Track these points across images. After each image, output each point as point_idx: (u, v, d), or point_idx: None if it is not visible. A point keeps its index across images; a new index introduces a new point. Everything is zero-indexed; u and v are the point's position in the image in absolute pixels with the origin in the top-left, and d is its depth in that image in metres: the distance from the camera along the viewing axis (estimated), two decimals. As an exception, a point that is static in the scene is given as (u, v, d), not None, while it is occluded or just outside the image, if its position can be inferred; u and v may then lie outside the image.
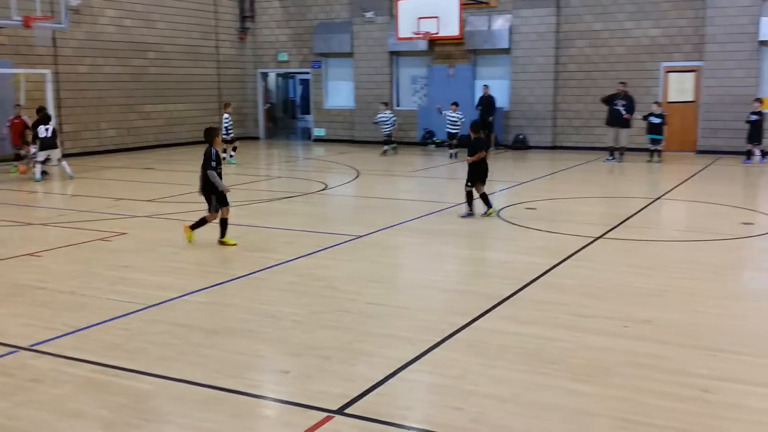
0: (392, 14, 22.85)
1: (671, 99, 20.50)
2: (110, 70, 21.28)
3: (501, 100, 22.03)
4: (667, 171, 17.19)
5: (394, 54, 23.91)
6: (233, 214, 9.63)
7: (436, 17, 21.13)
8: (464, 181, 11.32)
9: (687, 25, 20.10)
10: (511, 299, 6.95)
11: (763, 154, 18.20)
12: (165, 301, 6.93)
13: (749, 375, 5.12)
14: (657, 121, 18.43)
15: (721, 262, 8.50)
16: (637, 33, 20.62)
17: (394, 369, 5.24)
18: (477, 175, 11.22)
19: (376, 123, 21.30)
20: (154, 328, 6.20)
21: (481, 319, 6.37)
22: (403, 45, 22.93)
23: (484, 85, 21.65)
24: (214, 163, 9.03)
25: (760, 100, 18.22)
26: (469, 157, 11.27)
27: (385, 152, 20.70)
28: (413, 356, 5.48)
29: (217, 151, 9.13)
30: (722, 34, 19.41)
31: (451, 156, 19.64)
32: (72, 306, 6.87)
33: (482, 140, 11.39)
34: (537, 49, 21.57)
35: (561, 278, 7.74)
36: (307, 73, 26.20)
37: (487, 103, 21.36)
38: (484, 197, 11.26)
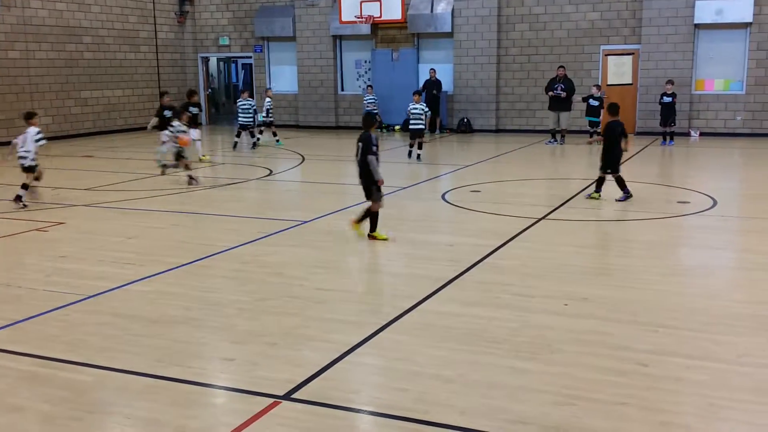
0: (335, -2, 22.71)
1: (610, 82, 20.88)
2: (44, 55, 20.62)
3: (445, 84, 22.12)
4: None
5: (338, 38, 23.76)
6: (173, 201, 9.47)
7: (378, 1, 21.06)
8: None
9: (625, 9, 20.46)
10: (455, 281, 7.01)
11: (671, 136, 18.58)
12: (105, 292, 6.79)
13: (686, 349, 5.27)
14: (596, 103, 18.76)
15: (658, 240, 8.72)
16: (576, 17, 20.91)
17: (341, 353, 5.24)
18: (609, 162, 10.98)
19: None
20: (93, 319, 6.07)
21: (427, 301, 6.41)
22: (346, 29, 22.82)
23: (431, 69, 21.71)
24: (375, 148, 8.50)
25: (672, 82, 18.62)
26: (624, 141, 10.91)
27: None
28: (359, 340, 5.49)
29: (376, 137, 8.65)
30: (659, 17, 19.82)
31: (416, 157, 16.12)
32: (7, 298, 6.67)
33: (615, 125, 10.99)
34: (479, 32, 21.70)
35: (504, 259, 7.84)
36: (250, 57, 25.85)
37: (431, 87, 21.44)
38: (621, 181, 11.07)
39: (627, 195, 10.98)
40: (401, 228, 9.58)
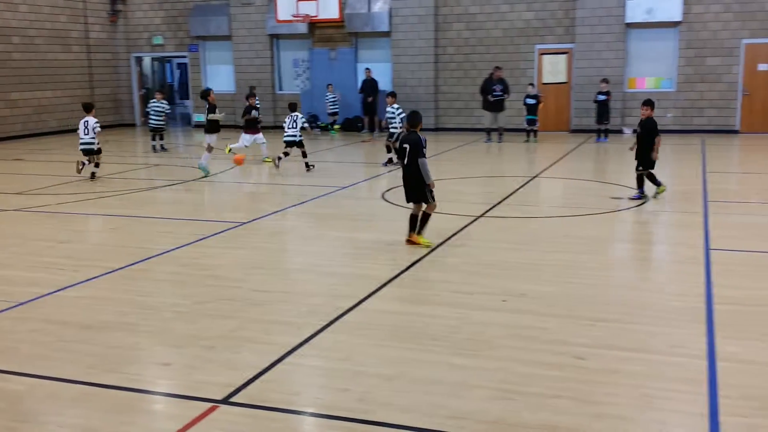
0: (271, -3, 22.53)
1: (545, 80, 21.24)
2: (-31, 55, 19.91)
3: (384, 83, 22.17)
4: (543, 150, 17.83)
5: (275, 37, 23.57)
6: (107, 204, 9.25)
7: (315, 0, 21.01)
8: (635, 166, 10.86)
9: (558, 9, 20.84)
10: (395, 280, 7.02)
11: (606, 132, 19.05)
12: (36, 298, 6.58)
13: (621, 341, 5.39)
14: (532, 102, 19.07)
15: (593, 235, 8.90)
16: (512, 16, 21.21)
17: (280, 355, 5.19)
18: (646, 157, 10.83)
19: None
20: (24, 326, 5.88)
21: (367, 300, 6.40)
22: (283, 28, 22.67)
23: (366, 69, 21.73)
24: (425, 150, 8.12)
25: (606, 81, 19.09)
26: (656, 147, 10.71)
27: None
28: (299, 341, 5.45)
29: (425, 138, 8.22)
30: (591, 17, 20.25)
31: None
32: (-69, 308, 6.40)
33: (655, 122, 10.82)
34: (417, 32, 21.81)
35: (444, 257, 7.89)
36: (185, 57, 25.44)
37: (369, 86, 21.47)
38: (642, 179, 10.96)
39: (641, 194, 10.91)
40: (341, 227, 9.56)
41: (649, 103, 10.97)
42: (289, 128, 14.74)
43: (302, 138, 14.87)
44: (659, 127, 10.90)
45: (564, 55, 21.05)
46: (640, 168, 10.88)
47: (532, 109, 19.09)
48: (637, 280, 7.14)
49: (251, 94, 16.72)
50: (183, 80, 29.87)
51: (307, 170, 14.25)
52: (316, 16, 21.53)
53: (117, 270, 7.49)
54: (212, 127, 14.03)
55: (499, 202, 10.86)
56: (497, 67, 19.55)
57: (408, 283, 6.96)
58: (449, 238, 8.64)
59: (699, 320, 5.77)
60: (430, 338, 5.50)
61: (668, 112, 20.30)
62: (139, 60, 26.13)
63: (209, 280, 7.11)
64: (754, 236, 8.67)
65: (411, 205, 8.44)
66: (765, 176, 13.63)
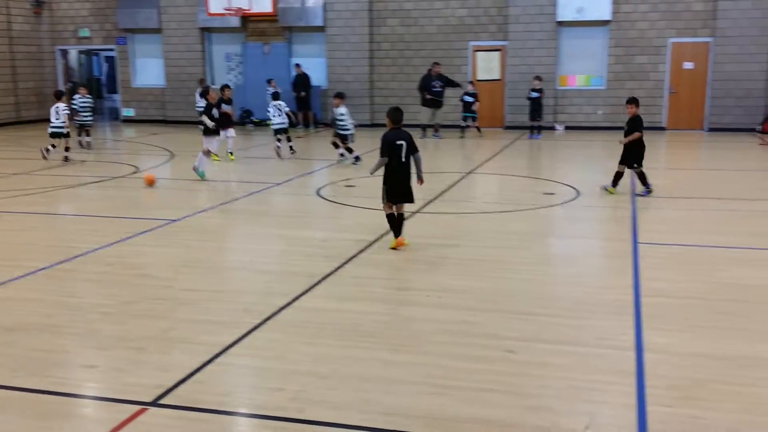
0: (203, -11, 22.16)
1: (480, 77, 21.48)
2: None
3: (319, 79, 22.05)
4: (478, 147, 18.03)
5: (206, 30, 23.18)
6: (32, 202, 8.93)
7: (248, -8, 20.78)
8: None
9: (491, 6, 21.08)
10: (330, 277, 6.98)
11: (539, 129, 19.44)
12: (-47, 301, 6.30)
13: (551, 334, 5.48)
14: (470, 99, 19.28)
15: (525, 230, 9.03)
16: (446, 13, 21.35)
17: (212, 355, 5.10)
18: (633, 155, 10.89)
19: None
20: (-60, 331, 5.61)
21: (301, 298, 6.35)
22: (214, 21, 22.32)
23: (296, 64, 21.59)
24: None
25: (539, 78, 19.46)
26: (623, 138, 10.91)
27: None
28: (232, 340, 5.36)
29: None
30: (524, 14, 20.56)
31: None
32: None
33: (641, 119, 10.94)
34: (351, 27, 21.76)
35: (378, 253, 7.89)
36: (112, 50, 24.79)
37: (301, 81, 21.33)
38: (643, 175, 10.99)
39: (649, 189, 11.00)
40: (275, 225, 9.46)
41: (632, 101, 11.08)
42: (275, 117, 15.40)
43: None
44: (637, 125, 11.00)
45: (497, 53, 21.31)
46: (635, 166, 11.01)
47: (469, 106, 19.31)
48: (567, 274, 7.27)
49: (226, 86, 15.92)
50: (111, 74, 29.09)
51: (292, 153, 15.49)
52: (249, 10, 21.26)
53: (41, 270, 7.23)
54: (212, 130, 13.01)
55: (434, 198, 10.92)
56: (436, 63, 19.62)
57: (342, 280, 6.92)
58: (384, 235, 8.64)
59: (627, 313, 5.91)
60: (364, 335, 5.48)
61: (599, 110, 20.78)
62: (64, 53, 25.35)
63: (138, 280, 6.93)
64: (680, 230, 8.93)
65: (383, 205, 8.10)
66: (690, 172, 14.09)
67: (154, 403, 4.38)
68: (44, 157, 14.57)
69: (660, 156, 17.01)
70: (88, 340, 5.49)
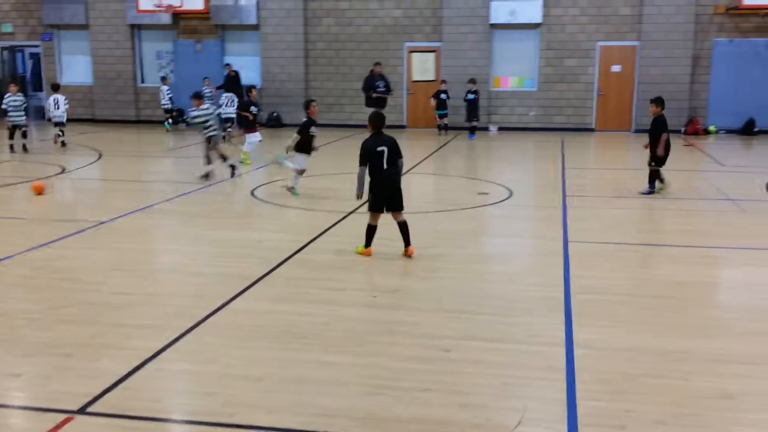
0: (132, -15, 21.67)
1: (415, 78, 21.59)
2: None
3: (253, 78, 21.80)
4: (413, 147, 18.10)
5: (136, 27, 22.65)
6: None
7: (179, -10, 20.42)
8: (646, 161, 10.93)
9: (426, 7, 21.22)
10: (265, 278, 6.90)
11: (473, 130, 19.71)
12: None
13: (486, 333, 5.54)
14: (445, 97, 19.56)
15: (461, 230, 9.12)
16: (381, 13, 21.39)
17: (142, 360, 4.98)
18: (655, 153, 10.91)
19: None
20: None
21: (235, 300, 6.26)
22: (144, 18, 21.84)
23: (226, 64, 21.29)
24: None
25: (474, 81, 19.71)
26: (661, 144, 10.85)
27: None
28: (163, 345, 5.25)
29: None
30: (457, 16, 20.76)
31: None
32: None
33: (665, 119, 10.94)
34: (286, 26, 21.60)
35: (315, 254, 7.84)
36: (37, 46, 23.98)
37: (231, 82, 21.05)
38: (654, 175, 11.09)
39: (651, 190, 11.13)
40: (208, 226, 9.31)
41: (656, 101, 11.10)
42: (227, 107, 17.87)
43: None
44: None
45: (432, 54, 21.47)
46: (653, 164, 11.11)
47: (444, 105, 19.73)
48: (501, 272, 7.37)
49: (251, 87, 14.74)
50: (36, 71, 28.11)
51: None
52: (180, 7, 20.87)
53: (-39, 275, 6.94)
54: (304, 145, 10.92)
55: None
56: (377, 63, 19.56)
57: (277, 282, 6.85)
58: (320, 235, 8.60)
59: (557, 310, 6.03)
60: (300, 337, 5.44)
61: (531, 111, 21.15)
62: (-14, 49, 24.43)
63: (65, 284, 6.72)
64: (608, 228, 9.16)
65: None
66: (618, 172, 14.47)
67: (82, 411, 4.25)
68: (55, 142, 16.49)
69: (589, 156, 17.43)
70: (13, 347, 5.28)
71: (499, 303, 6.25)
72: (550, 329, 5.59)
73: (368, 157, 7.52)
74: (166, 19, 21.70)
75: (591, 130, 20.96)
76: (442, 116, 19.97)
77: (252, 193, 11.33)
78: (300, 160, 10.93)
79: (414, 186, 12.81)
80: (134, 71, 22.81)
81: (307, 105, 10.92)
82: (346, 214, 9.73)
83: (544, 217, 10.00)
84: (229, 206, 10.61)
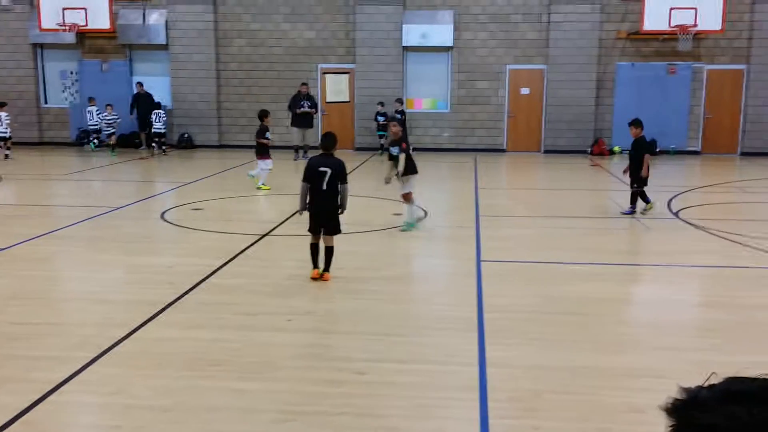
0: (33, 3, 20.91)
1: (329, 99, 21.60)
2: None
3: (163, 98, 21.35)
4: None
5: (38, 46, 21.86)
6: None
7: (83, 8, 19.80)
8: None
9: (339, 29, 21.32)
10: (175, 304, 6.71)
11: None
12: None
13: (400, 354, 5.54)
14: (382, 119, 19.73)
15: (375, 251, 9.12)
16: (293, 34, 21.36)
17: (43, 393, 4.73)
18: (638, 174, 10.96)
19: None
20: None
21: (143, 328, 6.05)
22: (47, 36, 21.08)
23: (138, 83, 20.87)
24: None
25: (401, 101, 20.05)
26: (645, 165, 10.94)
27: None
28: (66, 376, 5.01)
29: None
30: (371, 38, 20.94)
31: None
32: None
33: (646, 140, 11.08)
34: (196, 46, 21.27)
35: (227, 278, 7.68)
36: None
37: (143, 101, 20.62)
38: (635, 196, 11.13)
39: (633, 210, 11.22)
40: (116, 251, 9.00)
41: (635, 122, 11.23)
42: (156, 123, 19.02)
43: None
44: (645, 148, 11.32)
45: (346, 75, 21.55)
46: (635, 186, 11.22)
47: (384, 127, 19.83)
48: (415, 293, 7.40)
49: (265, 114, 14.22)
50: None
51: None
52: (84, 26, 20.25)
53: None
54: (410, 167, 10.20)
55: (285, 221, 10.81)
56: (303, 83, 19.62)
57: (188, 308, 6.67)
58: (233, 258, 8.44)
59: (471, 329, 6.08)
60: (212, 364, 5.29)
61: (444, 132, 21.47)
62: None
63: (-41, 315, 6.35)
64: (519, 247, 9.35)
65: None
66: (528, 192, 14.83)
67: (-25, 451, 4.00)
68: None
69: (501, 177, 17.82)
70: None
71: (414, 323, 6.26)
72: (464, 349, 5.63)
73: (309, 175, 7.45)
74: (70, 38, 21.02)
75: (503, 150, 21.44)
76: (381, 137, 20.24)
77: (162, 217, 11.04)
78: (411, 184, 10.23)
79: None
80: (37, 91, 21.98)
81: (265, 114, 13.09)
82: (259, 237, 9.59)
83: (458, 237, 10.12)
84: (138, 230, 10.30)
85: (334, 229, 7.59)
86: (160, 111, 19.98)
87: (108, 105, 20.14)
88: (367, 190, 14.20)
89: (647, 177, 11.18)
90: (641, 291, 7.77)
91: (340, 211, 7.62)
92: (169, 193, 13.49)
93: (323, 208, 7.49)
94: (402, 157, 9.92)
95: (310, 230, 7.64)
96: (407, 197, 10.02)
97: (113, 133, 20.25)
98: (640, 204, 11.37)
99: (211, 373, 5.13)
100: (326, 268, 7.57)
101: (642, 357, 5.56)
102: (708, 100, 20.81)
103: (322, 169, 7.42)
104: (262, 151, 13.85)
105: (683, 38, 19.13)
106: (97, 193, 13.96)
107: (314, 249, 7.63)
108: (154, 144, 20.19)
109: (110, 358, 5.40)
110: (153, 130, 20.00)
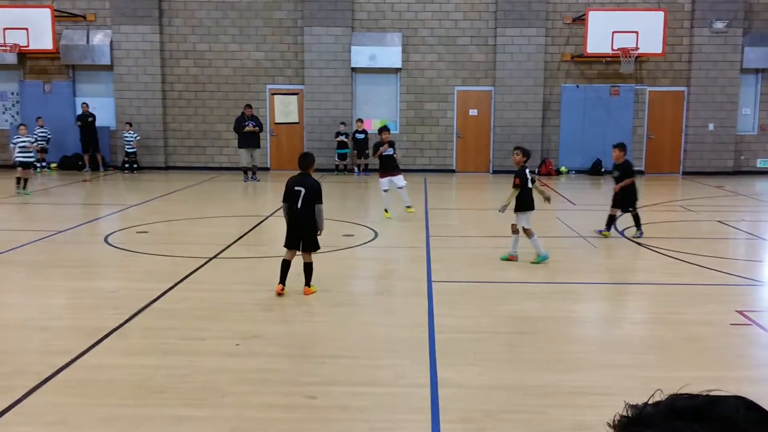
0: (-27, 22, 20.42)
1: (278, 120, 21.51)
2: None
3: (107, 119, 21.00)
4: (277, 188, 17.94)
5: (-22, 67, 21.33)
6: None
7: (25, 28, 19.39)
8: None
9: (287, 50, 21.29)
10: (119, 330, 6.53)
11: (366, 167, 20.25)
12: None
13: (351, 376, 5.47)
14: (345, 138, 20.18)
15: (326, 272, 9.02)
16: (241, 55, 21.25)
17: (-22, 426, 4.53)
18: (627, 199, 10.93)
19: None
20: None
21: (85, 355, 5.86)
22: (-12, 57, 20.58)
23: (83, 103, 20.51)
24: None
25: (361, 121, 20.38)
26: (617, 185, 10.92)
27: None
28: (4, 407, 4.81)
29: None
30: (319, 59, 20.95)
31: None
32: None
33: (630, 163, 11.06)
34: (142, 66, 21.00)
35: (173, 303, 7.52)
36: None
37: (87, 121, 20.28)
38: (637, 218, 11.10)
39: (641, 232, 11.12)
40: (57, 276, 8.74)
41: (619, 146, 11.20)
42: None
43: None
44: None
45: (295, 96, 21.51)
46: (630, 209, 11.19)
47: (344, 145, 20.53)
48: (367, 314, 7.34)
49: (384, 129, 13.21)
50: None
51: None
52: (26, 47, 19.82)
53: None
54: (525, 203, 9.63)
55: (233, 243, 10.67)
56: (248, 106, 19.54)
57: (132, 333, 6.49)
58: (179, 282, 8.26)
59: (422, 350, 6.05)
60: (157, 391, 5.15)
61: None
62: None
63: None
64: (469, 266, 9.38)
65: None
66: (478, 212, 14.93)
67: None
68: None
69: (450, 197, 17.93)
70: None
71: (365, 346, 6.20)
72: (415, 370, 5.59)
73: (286, 193, 7.72)
74: (11, 58, 20.54)
75: (452, 171, 21.60)
76: (342, 156, 20.67)
77: (106, 240, 10.78)
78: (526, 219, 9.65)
79: (278, 229, 12.67)
80: (-23, 112, 21.39)
81: (385, 129, 12.74)
82: (207, 260, 9.43)
83: (409, 258, 10.12)
84: (80, 254, 10.03)
85: (312, 246, 7.80)
86: (131, 131, 20.15)
87: (21, 125, 17.01)
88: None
89: (629, 197, 11.13)
90: (587, 309, 7.86)
91: (318, 232, 7.82)
92: (113, 215, 13.20)
93: (299, 225, 7.69)
94: (512, 192, 9.63)
95: (285, 245, 7.82)
96: (516, 229, 9.59)
97: (26, 163, 15.71)
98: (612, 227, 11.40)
99: (155, 400, 4.99)
100: (307, 283, 7.83)
101: (589, 374, 5.61)
102: (650, 121, 21.36)
103: (297, 188, 7.66)
104: (393, 167, 12.90)
105: (626, 61, 19.62)
106: (40, 216, 13.58)
107: (285, 265, 7.81)
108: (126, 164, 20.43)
109: (51, 387, 5.22)
110: (126, 149, 20.27)
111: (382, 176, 12.92)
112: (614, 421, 1.15)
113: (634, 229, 11.31)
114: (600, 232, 11.35)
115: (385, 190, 12.88)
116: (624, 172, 11.24)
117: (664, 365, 5.81)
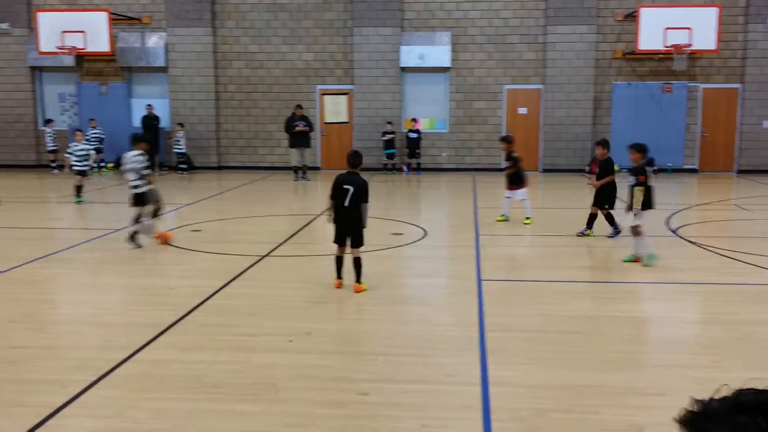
0: (32, 26, 21.04)
1: (327, 120, 21.67)
2: None
3: (162, 120, 21.43)
4: (327, 188, 18.10)
5: (37, 69, 21.96)
6: None
7: (82, 31, 19.91)
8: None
9: (337, 51, 21.44)
10: (175, 326, 6.68)
11: (418, 166, 20.55)
12: None
13: (402, 374, 5.50)
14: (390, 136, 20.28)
15: (376, 271, 9.06)
16: (292, 56, 21.47)
17: (42, 417, 4.70)
18: (605, 197, 10.87)
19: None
20: None
21: (143, 350, 6.01)
22: (46, 59, 21.17)
23: (148, 105, 21.05)
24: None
25: (415, 120, 20.59)
26: (597, 181, 10.88)
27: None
28: (65, 401, 4.97)
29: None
30: (368, 60, 21.04)
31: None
32: None
33: (612, 161, 10.99)
34: (195, 68, 21.38)
35: (227, 300, 7.65)
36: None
37: (149, 122, 20.73)
38: (611, 217, 10.99)
39: (617, 230, 10.97)
40: (115, 273, 8.97)
41: (602, 143, 11.18)
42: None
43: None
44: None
45: (344, 96, 21.64)
46: (606, 207, 11.08)
47: (391, 144, 20.57)
48: (416, 313, 7.37)
49: (507, 139, 12.90)
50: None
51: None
52: (83, 49, 20.35)
53: None
54: (647, 201, 9.38)
55: (284, 241, 10.80)
56: (298, 106, 19.75)
57: (188, 330, 6.64)
58: (232, 280, 8.41)
59: (473, 348, 6.05)
60: (212, 386, 5.26)
61: (443, 152, 21.53)
62: None
63: (-43, 338, 6.32)
64: (519, 266, 9.34)
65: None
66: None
67: (-26, 476, 3.96)
68: None
69: (499, 196, 17.78)
70: None
71: (416, 344, 6.23)
72: (466, 368, 5.60)
73: (334, 191, 7.90)
74: (69, 61, 21.09)
75: (501, 170, 21.38)
76: (390, 156, 20.83)
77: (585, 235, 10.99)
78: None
79: (328, 228, 12.78)
80: (35, 114, 22.05)
81: (506, 140, 12.64)
82: (259, 258, 9.57)
83: (458, 256, 10.11)
84: (137, 252, 10.27)
85: (359, 242, 7.95)
86: (181, 132, 20.54)
87: (77, 130, 16.52)
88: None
89: (609, 197, 10.98)
90: (641, 308, 7.74)
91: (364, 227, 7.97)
92: (167, 215, 13.47)
93: (346, 222, 7.87)
94: (637, 190, 9.27)
95: (334, 241, 8.01)
96: (639, 231, 9.24)
97: (81, 171, 15.07)
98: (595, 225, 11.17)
99: (211, 395, 5.09)
100: (357, 279, 7.93)
101: (643, 375, 5.54)
102: (704, 119, 20.89)
103: (345, 186, 7.83)
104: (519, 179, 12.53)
105: (678, 58, 19.23)
106: (97, 215, 13.94)
107: (338, 261, 8.04)
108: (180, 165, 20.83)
109: (109, 381, 5.37)
110: (174, 150, 20.69)
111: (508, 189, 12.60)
112: (680, 416, 1.15)
113: (613, 228, 11.02)
114: (582, 233, 11.11)
115: (508, 197, 12.64)
116: (604, 170, 11.15)
117: (719, 366, 5.71)
